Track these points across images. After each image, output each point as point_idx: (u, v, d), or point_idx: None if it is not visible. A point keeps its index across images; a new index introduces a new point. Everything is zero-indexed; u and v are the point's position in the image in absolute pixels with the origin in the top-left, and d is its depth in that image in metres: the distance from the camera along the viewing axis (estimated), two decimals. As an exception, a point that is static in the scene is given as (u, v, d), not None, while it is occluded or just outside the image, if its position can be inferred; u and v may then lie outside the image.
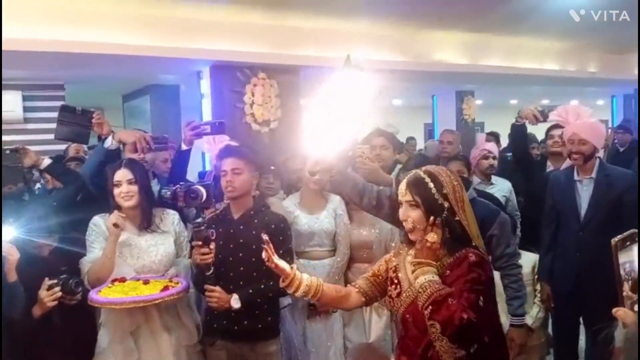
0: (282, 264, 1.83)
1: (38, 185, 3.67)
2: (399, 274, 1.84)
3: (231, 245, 2.47)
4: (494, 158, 3.87)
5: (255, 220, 2.51)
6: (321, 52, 4.57)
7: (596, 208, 2.88)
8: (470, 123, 7.35)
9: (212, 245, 2.33)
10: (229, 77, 4.36)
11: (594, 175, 2.95)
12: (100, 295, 2.22)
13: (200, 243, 2.31)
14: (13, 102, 5.12)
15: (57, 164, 2.96)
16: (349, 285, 2.01)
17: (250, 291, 2.43)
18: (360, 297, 1.92)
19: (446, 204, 1.73)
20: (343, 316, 3.15)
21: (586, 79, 6.59)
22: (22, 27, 3.52)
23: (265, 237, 1.84)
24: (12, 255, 2.17)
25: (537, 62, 5.89)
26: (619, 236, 1.22)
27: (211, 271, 2.35)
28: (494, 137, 5.33)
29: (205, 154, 4.40)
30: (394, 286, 1.83)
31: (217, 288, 2.39)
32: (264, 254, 1.83)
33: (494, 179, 3.91)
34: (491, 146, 3.96)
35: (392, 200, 2.60)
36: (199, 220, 2.32)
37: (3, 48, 3.49)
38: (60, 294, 2.24)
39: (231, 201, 2.55)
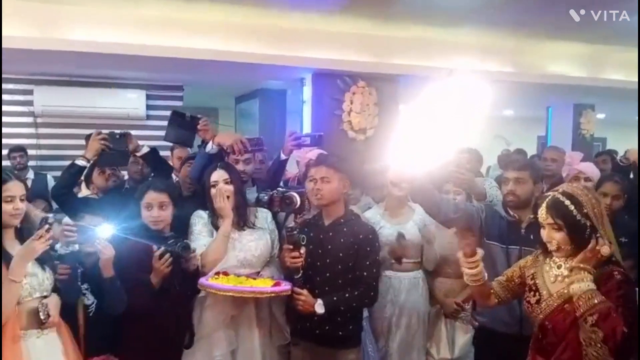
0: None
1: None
2: (537, 281, 1.94)
3: (320, 251, 2.53)
4: (586, 180, 3.55)
5: (345, 229, 2.56)
6: (422, 62, 4.54)
7: None
8: (589, 138, 6.86)
9: (303, 250, 2.41)
10: (329, 85, 4.48)
11: None
12: (211, 282, 2.36)
13: (291, 247, 2.40)
14: (137, 100, 5.62)
15: (154, 153, 3.16)
16: None
17: (335, 298, 2.47)
18: (494, 298, 2.09)
19: (588, 223, 1.80)
20: (427, 332, 3.13)
21: None
22: (146, 34, 3.89)
23: None
24: (106, 253, 2.28)
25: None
26: None
27: (300, 275, 2.43)
28: (608, 155, 4.95)
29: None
30: (532, 293, 1.93)
31: (304, 291, 2.45)
32: None
33: None
34: (586, 167, 3.63)
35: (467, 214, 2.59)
36: (292, 224, 2.40)
37: (132, 52, 3.90)
38: (171, 259, 2.35)
39: (323, 208, 2.61)
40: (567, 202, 1.82)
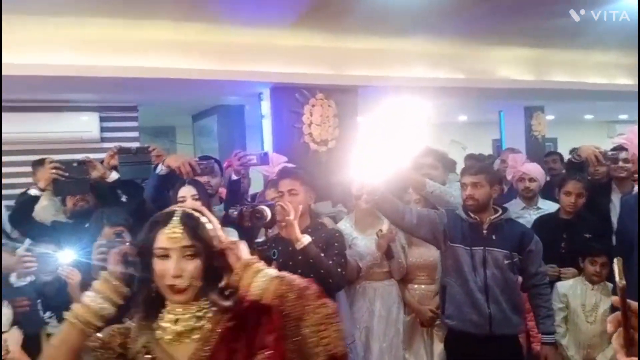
0: None
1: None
2: None
3: (290, 263, 2.52)
4: (530, 180, 3.68)
5: (313, 237, 2.56)
6: (379, 72, 4.61)
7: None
8: (541, 139, 7.08)
9: (274, 265, 2.40)
10: (287, 98, 4.47)
11: None
12: None
13: (262, 262, 2.38)
14: (90, 123, 5.47)
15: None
16: None
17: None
18: None
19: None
20: (402, 342, 3.14)
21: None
22: (97, 55, 3.79)
23: None
24: (73, 278, 2.30)
25: (607, 77, 5.61)
26: None
27: None
28: (557, 155, 5.12)
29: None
30: None
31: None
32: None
33: (541, 202, 3.72)
34: (530, 167, 3.71)
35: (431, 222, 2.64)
36: (262, 239, 2.38)
37: (83, 74, 3.80)
38: None
39: None
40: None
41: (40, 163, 3.86)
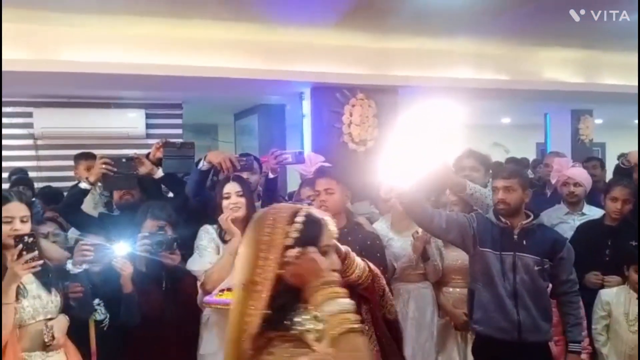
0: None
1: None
2: None
3: None
4: (576, 185, 3.59)
5: (349, 238, 2.57)
6: (421, 72, 4.57)
7: None
8: (588, 144, 6.87)
9: None
10: (328, 98, 4.49)
11: None
12: (217, 298, 2.38)
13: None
14: (136, 119, 5.64)
15: (171, 175, 3.21)
16: None
17: None
18: None
19: None
20: (435, 345, 3.11)
21: None
22: (144, 53, 3.91)
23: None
24: (125, 269, 2.40)
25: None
26: None
27: None
28: (597, 161, 4.96)
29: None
30: None
31: None
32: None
33: (587, 208, 3.61)
34: (575, 172, 3.62)
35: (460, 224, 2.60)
36: None
37: (130, 72, 3.92)
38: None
39: None
40: None
41: (82, 157, 4.03)
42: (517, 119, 8.81)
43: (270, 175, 3.15)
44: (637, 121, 9.61)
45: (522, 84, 5.00)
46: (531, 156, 8.05)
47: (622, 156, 3.83)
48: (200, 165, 2.95)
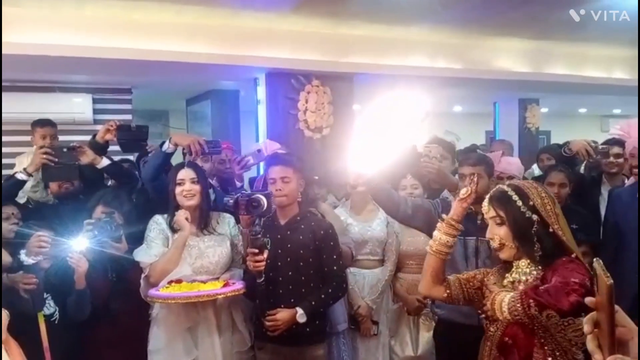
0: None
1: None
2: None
3: (279, 251, 2.53)
4: (509, 178, 3.61)
5: (302, 226, 2.58)
6: (376, 60, 4.58)
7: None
8: (535, 132, 7.10)
9: (266, 254, 2.38)
10: (283, 84, 4.44)
11: None
12: (161, 292, 2.34)
13: (256, 251, 2.35)
14: (83, 105, 5.41)
15: (115, 165, 3.12)
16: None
17: (313, 303, 2.50)
18: (444, 290, 1.94)
19: (535, 217, 1.70)
20: (389, 329, 3.16)
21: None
22: (92, 36, 3.74)
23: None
24: (81, 266, 2.32)
25: (605, 71, 5.60)
26: None
27: (262, 279, 2.39)
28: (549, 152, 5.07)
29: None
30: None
31: (278, 314, 2.46)
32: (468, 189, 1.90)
33: None
34: (504, 167, 3.50)
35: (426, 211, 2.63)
36: (256, 228, 2.38)
37: (77, 54, 3.75)
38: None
39: (278, 208, 2.61)
40: (512, 193, 1.74)
41: (38, 124, 3.88)
42: (468, 108, 8.99)
43: (238, 184, 3.22)
44: (580, 110, 10.03)
45: (473, 72, 5.09)
46: (480, 143, 8.24)
47: (564, 145, 3.95)
48: (165, 147, 2.84)
